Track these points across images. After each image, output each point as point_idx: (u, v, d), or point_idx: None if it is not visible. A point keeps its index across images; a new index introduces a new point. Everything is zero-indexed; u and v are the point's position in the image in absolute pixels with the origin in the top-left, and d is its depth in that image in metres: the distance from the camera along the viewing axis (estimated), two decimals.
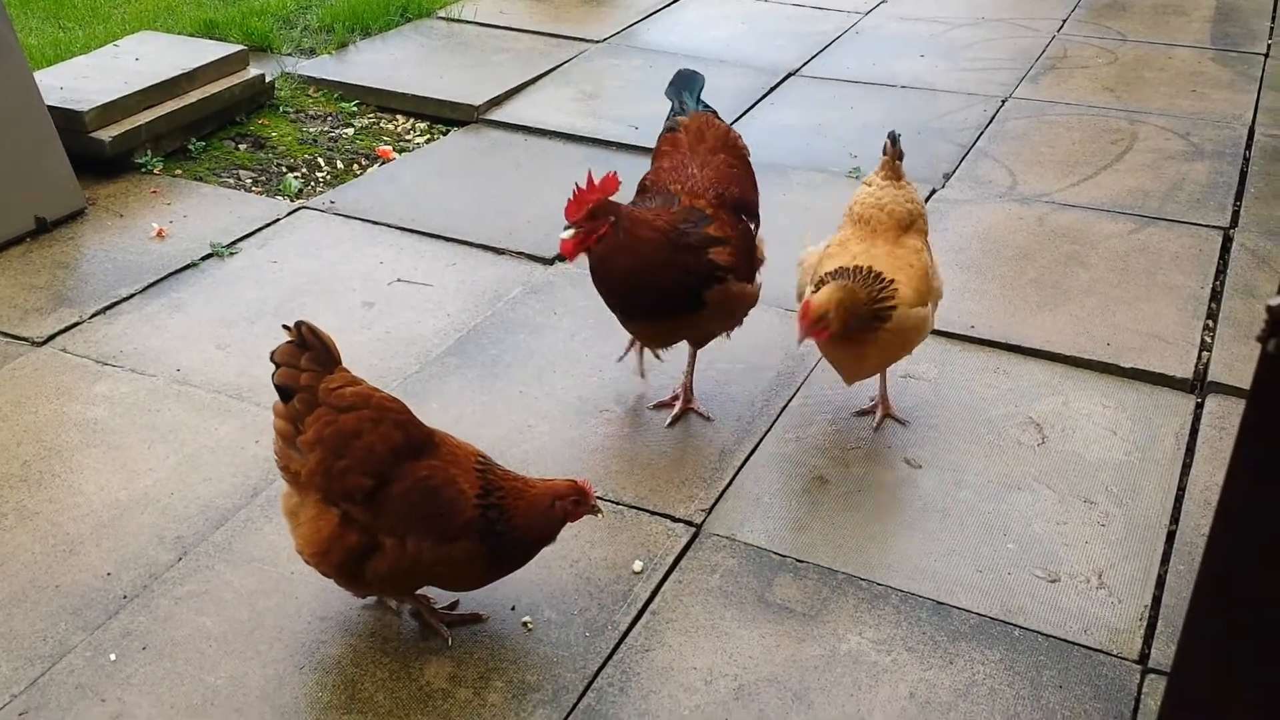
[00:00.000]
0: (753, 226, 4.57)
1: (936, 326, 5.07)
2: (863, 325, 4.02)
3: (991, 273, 5.58)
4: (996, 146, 6.94)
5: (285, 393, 3.36)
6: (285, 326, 3.42)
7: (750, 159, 4.74)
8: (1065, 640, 3.63)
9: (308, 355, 3.37)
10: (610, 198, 4.01)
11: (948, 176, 6.56)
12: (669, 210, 4.26)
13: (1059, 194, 6.36)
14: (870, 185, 4.49)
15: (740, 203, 4.48)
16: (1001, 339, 5.07)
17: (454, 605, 3.71)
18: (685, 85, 4.84)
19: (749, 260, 4.44)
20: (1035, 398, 4.74)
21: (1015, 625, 3.69)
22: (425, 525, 3.33)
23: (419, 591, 3.62)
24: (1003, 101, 7.57)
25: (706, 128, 4.63)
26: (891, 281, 4.08)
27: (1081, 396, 4.75)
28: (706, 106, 4.79)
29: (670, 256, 4.13)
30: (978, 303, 5.33)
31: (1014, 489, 4.26)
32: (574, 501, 3.41)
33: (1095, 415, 4.64)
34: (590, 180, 4.00)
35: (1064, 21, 9.10)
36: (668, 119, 4.74)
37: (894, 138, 4.53)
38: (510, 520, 3.37)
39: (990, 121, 7.27)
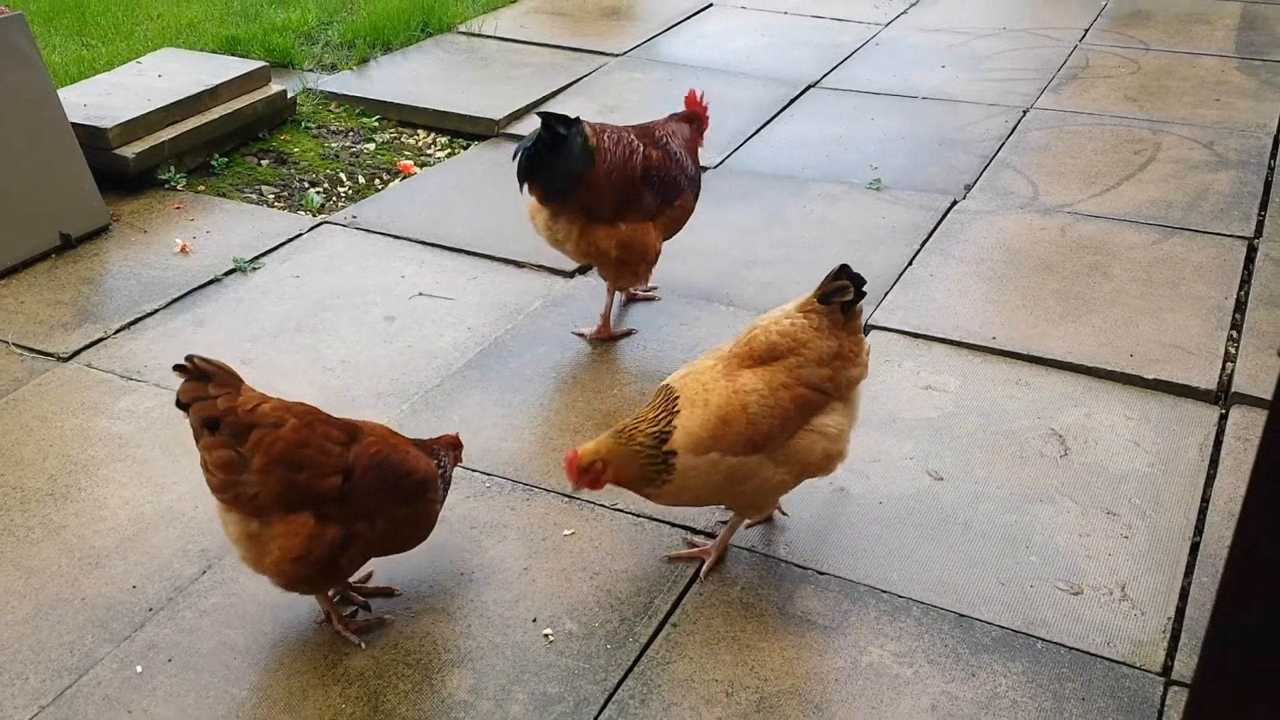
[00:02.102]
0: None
1: (958, 338, 5.09)
2: (643, 477, 3.65)
3: (1013, 284, 5.57)
4: (1018, 157, 6.93)
5: (212, 423, 3.31)
6: (176, 367, 3.35)
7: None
8: (1088, 653, 3.62)
9: (212, 383, 3.33)
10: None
11: (969, 187, 6.55)
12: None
13: (1081, 204, 6.34)
14: (782, 312, 3.79)
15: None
16: (1023, 350, 5.06)
17: (354, 614, 3.78)
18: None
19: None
20: (1058, 409, 4.73)
21: (1038, 638, 3.67)
22: (392, 496, 3.51)
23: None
24: (1024, 112, 7.56)
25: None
26: (672, 418, 3.62)
27: (1104, 408, 4.74)
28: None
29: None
30: (999, 314, 5.32)
31: (1036, 501, 4.24)
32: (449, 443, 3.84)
33: (1118, 427, 4.63)
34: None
35: (1086, 31, 9.08)
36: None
37: (843, 285, 3.71)
38: (448, 464, 3.76)
39: (1012, 132, 7.26)
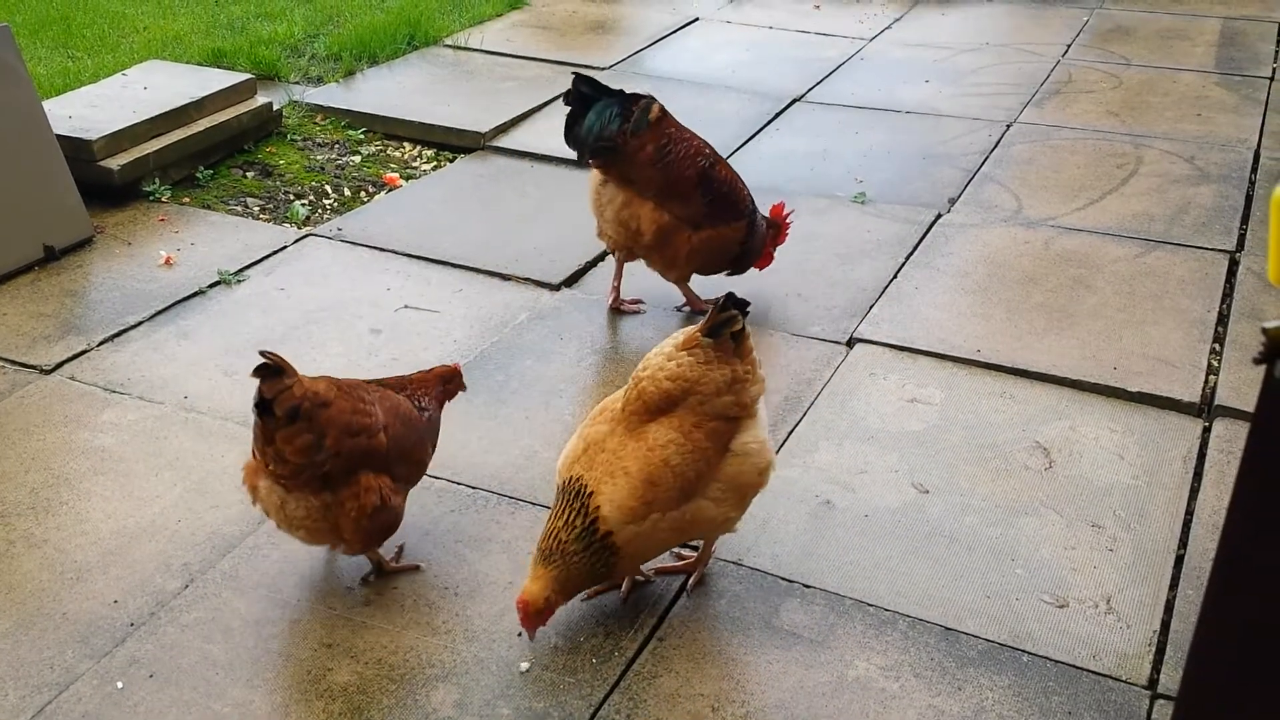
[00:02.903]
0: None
1: (942, 351, 5.10)
2: (596, 575, 3.58)
3: (997, 297, 5.58)
4: (1001, 171, 6.96)
5: (293, 413, 3.42)
6: (259, 368, 3.39)
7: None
8: (1074, 666, 3.62)
9: (285, 375, 3.43)
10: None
11: (953, 201, 6.57)
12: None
13: (1064, 218, 6.36)
14: (665, 355, 3.63)
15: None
16: (1008, 363, 5.07)
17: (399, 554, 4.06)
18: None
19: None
20: (1042, 422, 4.74)
21: (1024, 651, 3.67)
22: (415, 443, 3.84)
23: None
24: (1007, 126, 7.59)
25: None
26: (587, 506, 3.51)
27: (1088, 421, 4.75)
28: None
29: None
30: (984, 327, 5.33)
31: (1021, 514, 4.25)
32: (440, 374, 4.04)
33: (1102, 439, 4.64)
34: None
35: (1068, 46, 9.12)
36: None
37: (731, 316, 3.58)
38: (428, 402, 3.94)
39: (995, 146, 7.29)
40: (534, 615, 3.51)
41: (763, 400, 3.76)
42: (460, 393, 4.14)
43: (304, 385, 3.46)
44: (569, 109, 5.11)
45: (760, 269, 5.50)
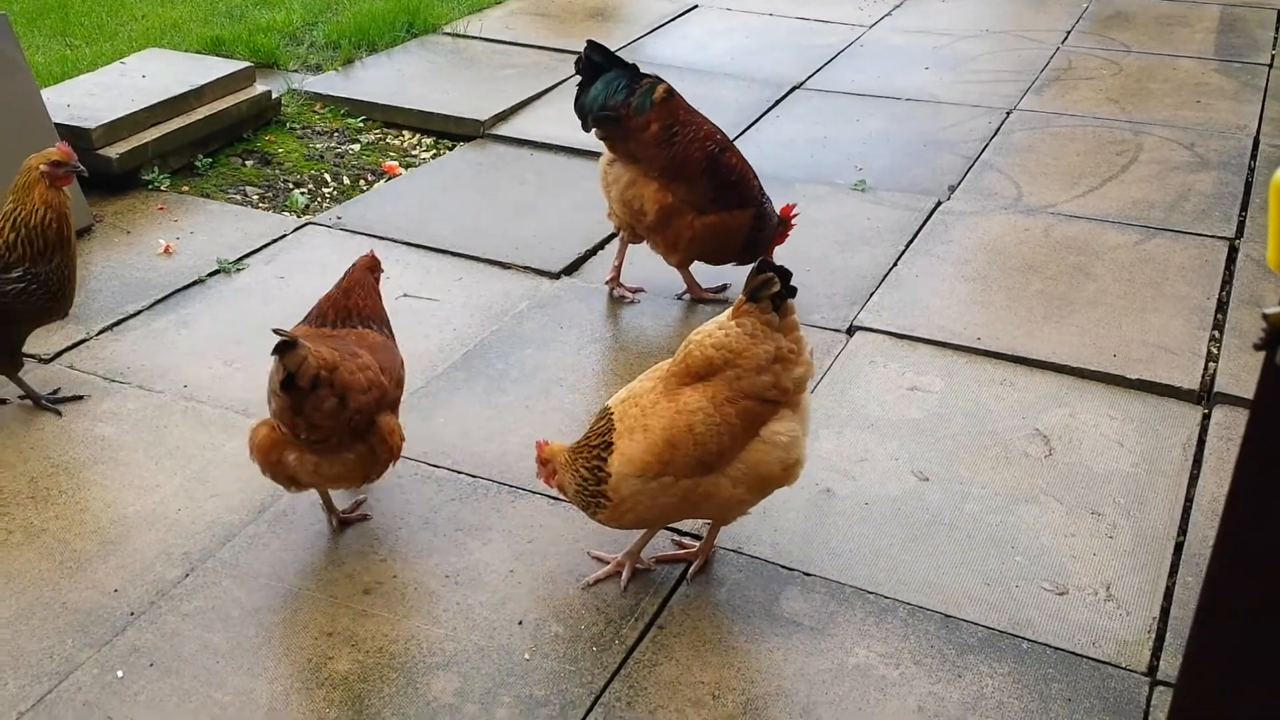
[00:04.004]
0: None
1: (943, 338, 5.10)
2: (584, 497, 3.64)
3: (997, 284, 5.58)
4: (1002, 158, 6.95)
5: (315, 381, 3.57)
6: (278, 346, 3.52)
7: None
8: (1074, 653, 3.62)
9: (301, 348, 3.55)
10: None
11: (953, 188, 6.56)
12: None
13: (1064, 205, 6.36)
14: (716, 324, 3.65)
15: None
16: (1008, 351, 5.07)
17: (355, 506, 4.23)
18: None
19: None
20: (1042, 409, 4.73)
21: (1023, 638, 3.68)
22: (395, 363, 4.02)
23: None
24: (1007, 113, 7.58)
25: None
26: (609, 445, 3.56)
27: (1088, 408, 4.75)
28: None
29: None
30: (984, 314, 5.32)
31: (1021, 501, 4.25)
32: (366, 266, 4.23)
33: (1102, 427, 4.64)
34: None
35: (1068, 33, 9.10)
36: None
37: (767, 278, 3.57)
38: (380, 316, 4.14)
39: (995, 133, 7.28)
40: (539, 459, 3.76)
41: (810, 400, 3.75)
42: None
43: (314, 354, 3.59)
44: (579, 76, 5.18)
45: (768, 251, 5.44)
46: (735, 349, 3.54)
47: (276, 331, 3.54)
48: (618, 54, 5.22)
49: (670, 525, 4.05)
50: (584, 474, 3.59)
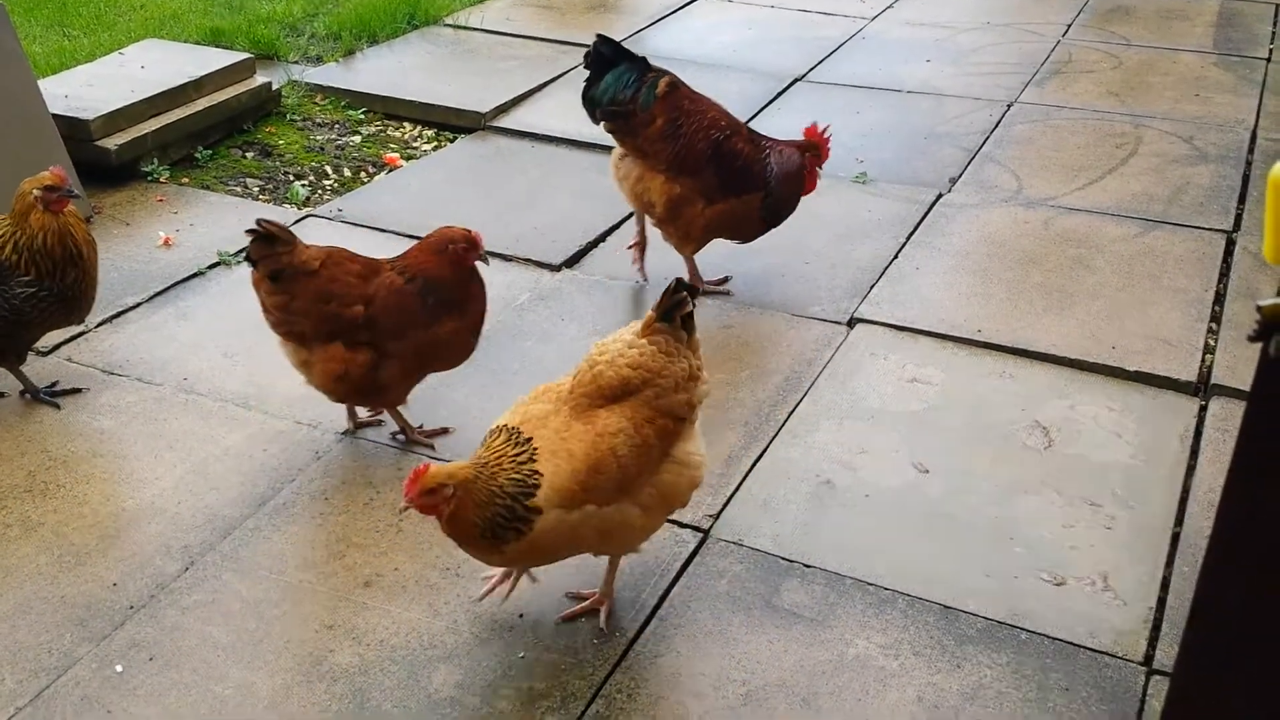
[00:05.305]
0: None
1: (943, 331, 5.10)
2: (495, 527, 3.27)
3: (998, 277, 5.58)
4: (1002, 151, 6.94)
5: (275, 275, 4.06)
6: (248, 231, 4.04)
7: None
8: (1072, 643, 3.63)
9: (277, 243, 4.05)
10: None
11: (954, 181, 6.56)
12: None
13: (1065, 198, 6.35)
14: (624, 342, 3.50)
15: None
16: (1008, 343, 5.07)
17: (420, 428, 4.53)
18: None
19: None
20: (1042, 401, 4.74)
21: (1022, 629, 3.68)
22: (407, 319, 4.13)
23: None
24: (1008, 106, 7.57)
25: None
26: (535, 467, 3.31)
27: (1087, 400, 4.75)
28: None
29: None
30: (984, 307, 5.32)
31: (1021, 493, 4.25)
32: (463, 248, 4.15)
33: (1101, 418, 4.64)
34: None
35: (1069, 26, 9.09)
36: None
37: (681, 298, 3.48)
38: (424, 273, 4.15)
39: (996, 126, 7.27)
40: (421, 490, 3.18)
41: (700, 413, 3.62)
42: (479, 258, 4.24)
43: (298, 254, 4.07)
44: (587, 70, 5.21)
45: (805, 195, 5.39)
46: (653, 368, 3.43)
47: (259, 222, 4.04)
48: (625, 46, 5.23)
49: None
50: (507, 496, 3.24)
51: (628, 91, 5.09)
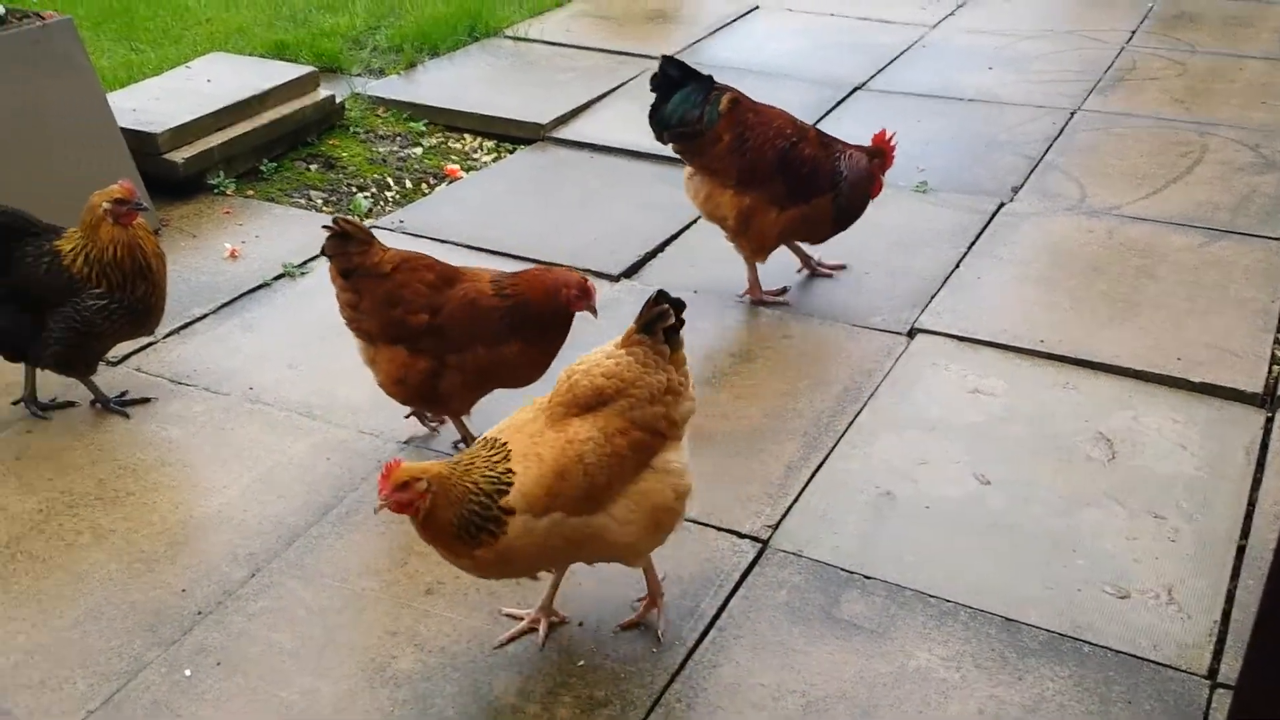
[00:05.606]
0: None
1: (1005, 341, 5.08)
2: (470, 526, 3.24)
3: (1060, 286, 5.54)
4: (1065, 159, 6.89)
5: (346, 273, 4.16)
6: (325, 227, 4.17)
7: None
8: (1134, 656, 3.60)
9: (351, 242, 4.15)
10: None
11: (1016, 190, 6.52)
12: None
13: (1128, 207, 6.30)
14: (603, 353, 3.52)
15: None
16: (1071, 353, 5.04)
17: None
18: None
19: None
20: (1105, 412, 4.70)
21: (1084, 641, 3.66)
22: (475, 334, 4.14)
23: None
24: (1071, 114, 7.52)
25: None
26: (510, 471, 3.29)
27: (1152, 411, 4.71)
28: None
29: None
30: (1047, 317, 5.29)
31: (1084, 505, 4.22)
32: (576, 295, 4.12)
33: (1165, 430, 4.60)
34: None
35: (1133, 33, 9.01)
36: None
37: (663, 310, 3.45)
38: (524, 302, 4.13)
39: (1059, 134, 7.22)
40: (394, 485, 3.16)
41: (688, 429, 3.58)
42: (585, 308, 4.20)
43: (372, 255, 4.16)
44: (654, 91, 5.24)
45: (874, 197, 5.45)
46: (627, 378, 3.41)
47: (336, 220, 4.18)
48: (685, 60, 5.26)
49: (729, 527, 4.06)
50: (481, 495, 3.23)
51: (695, 112, 5.13)
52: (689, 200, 5.43)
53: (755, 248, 5.39)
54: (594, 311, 4.16)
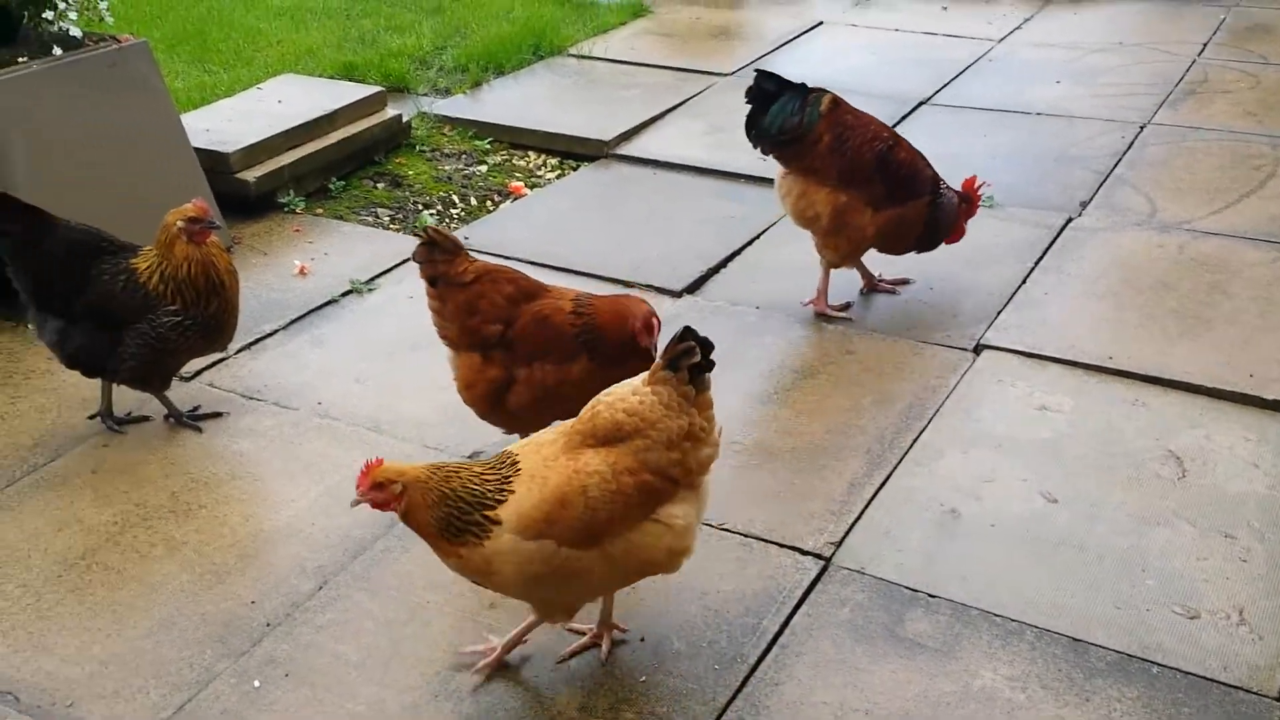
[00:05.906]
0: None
1: (1073, 357, 5.03)
2: (452, 525, 3.27)
3: (1130, 302, 5.49)
4: (1135, 173, 6.83)
5: (433, 280, 4.27)
6: (416, 233, 3.98)
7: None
8: (1204, 677, 3.55)
9: (438, 250, 4.24)
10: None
11: (1084, 204, 6.47)
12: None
13: (1200, 221, 6.23)
14: (630, 388, 3.41)
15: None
16: (1140, 370, 4.98)
17: None
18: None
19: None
20: (1175, 430, 4.65)
21: (1153, 662, 3.61)
22: (544, 349, 4.18)
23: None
24: (1141, 127, 7.44)
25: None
26: (507, 487, 3.29)
27: (1223, 429, 4.64)
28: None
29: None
30: (1115, 333, 5.24)
31: (1153, 524, 4.17)
32: (640, 328, 4.09)
33: (1237, 448, 4.53)
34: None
35: (1204, 45, 8.91)
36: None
37: (688, 346, 3.34)
38: (596, 324, 4.15)
39: (1128, 148, 7.15)
40: (370, 484, 3.27)
41: (709, 482, 3.52)
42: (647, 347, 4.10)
43: (456, 265, 4.24)
44: (749, 105, 5.29)
45: (950, 243, 5.54)
46: (648, 418, 3.31)
47: (427, 229, 4.32)
48: (739, 72, 5.28)
49: (792, 544, 4.05)
50: (462, 503, 3.25)
51: (794, 119, 5.17)
52: (779, 200, 5.47)
53: (844, 251, 5.41)
54: (654, 349, 3.97)
